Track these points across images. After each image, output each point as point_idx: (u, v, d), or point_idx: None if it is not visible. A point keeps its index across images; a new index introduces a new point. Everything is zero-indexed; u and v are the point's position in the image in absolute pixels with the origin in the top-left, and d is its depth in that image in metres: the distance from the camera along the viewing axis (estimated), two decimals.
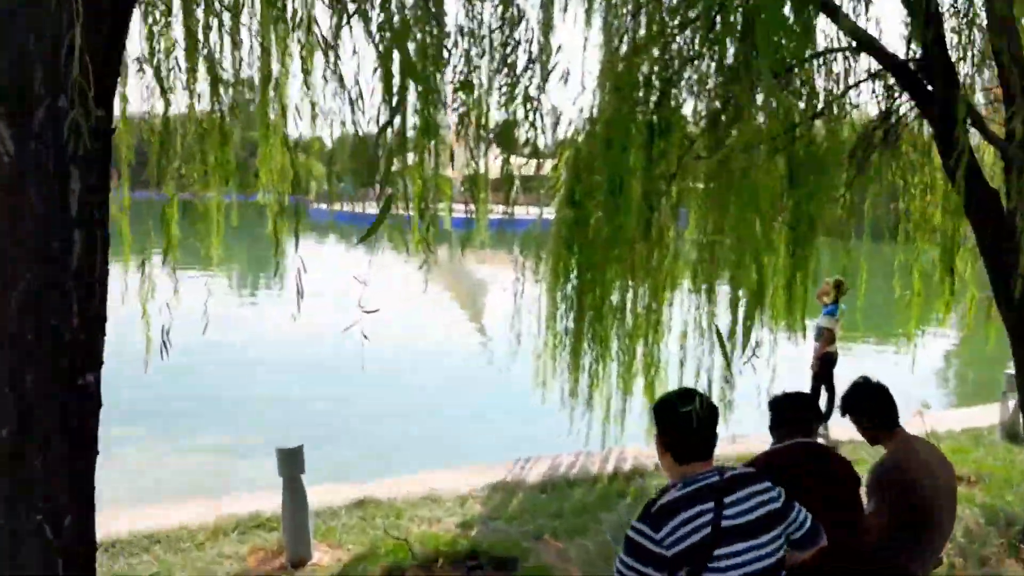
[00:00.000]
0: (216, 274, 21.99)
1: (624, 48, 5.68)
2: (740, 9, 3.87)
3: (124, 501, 6.69)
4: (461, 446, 9.09)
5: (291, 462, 4.90)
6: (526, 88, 4.78)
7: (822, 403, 8.52)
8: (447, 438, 9.40)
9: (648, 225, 5.76)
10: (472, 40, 4.63)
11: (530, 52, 4.80)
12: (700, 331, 6.80)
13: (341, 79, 3.81)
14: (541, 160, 6.22)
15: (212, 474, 8.04)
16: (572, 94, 6.53)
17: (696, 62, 5.35)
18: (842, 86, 6.23)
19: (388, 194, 3.01)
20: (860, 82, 6.29)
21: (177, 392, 10.75)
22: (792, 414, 3.51)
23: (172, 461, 8.21)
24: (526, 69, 4.82)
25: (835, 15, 5.46)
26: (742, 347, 4.26)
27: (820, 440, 4.92)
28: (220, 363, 12.77)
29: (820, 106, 6.13)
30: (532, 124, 4.81)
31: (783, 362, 6.90)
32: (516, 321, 6.40)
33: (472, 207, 6.52)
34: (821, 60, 6.05)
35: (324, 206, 54.77)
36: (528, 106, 4.85)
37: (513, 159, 5.33)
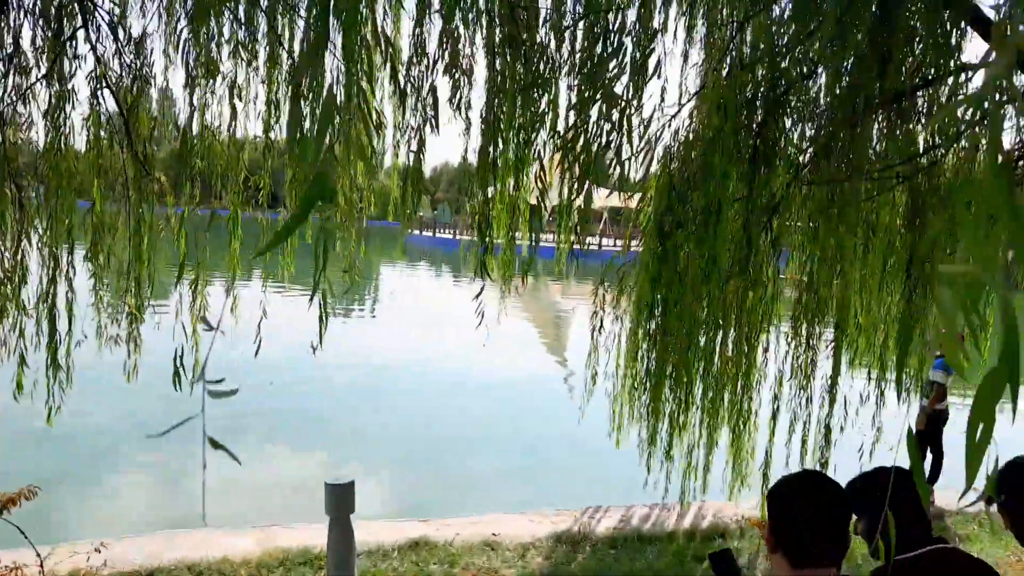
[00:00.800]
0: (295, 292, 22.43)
1: (727, 66, 5.20)
2: (867, 20, 3.37)
3: (178, 524, 6.50)
4: (528, 487, 8.59)
5: (340, 500, 4.53)
6: (621, 112, 4.36)
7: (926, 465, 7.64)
8: (513, 477, 8.90)
9: (746, 260, 5.22)
10: (561, 65, 4.26)
11: (623, 71, 4.39)
12: (797, 379, 6.22)
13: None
14: (629, 192, 5.81)
15: (271, 499, 7.78)
16: (666, 115, 6.07)
17: (808, 81, 4.83)
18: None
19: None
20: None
21: (240, 411, 10.63)
22: (896, 492, 2.79)
23: (229, 485, 7.99)
24: (612, 91, 4.40)
25: (986, 30, 4.84)
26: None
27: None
28: (296, 383, 12.69)
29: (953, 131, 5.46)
30: (619, 155, 4.39)
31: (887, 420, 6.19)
32: (593, 358, 5.92)
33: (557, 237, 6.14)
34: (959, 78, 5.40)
35: (419, 232, 55.69)
36: (620, 132, 4.44)
37: (603, 190, 4.94)
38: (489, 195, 5.55)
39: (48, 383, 3.92)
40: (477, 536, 6.13)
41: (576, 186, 5.43)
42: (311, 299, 1.88)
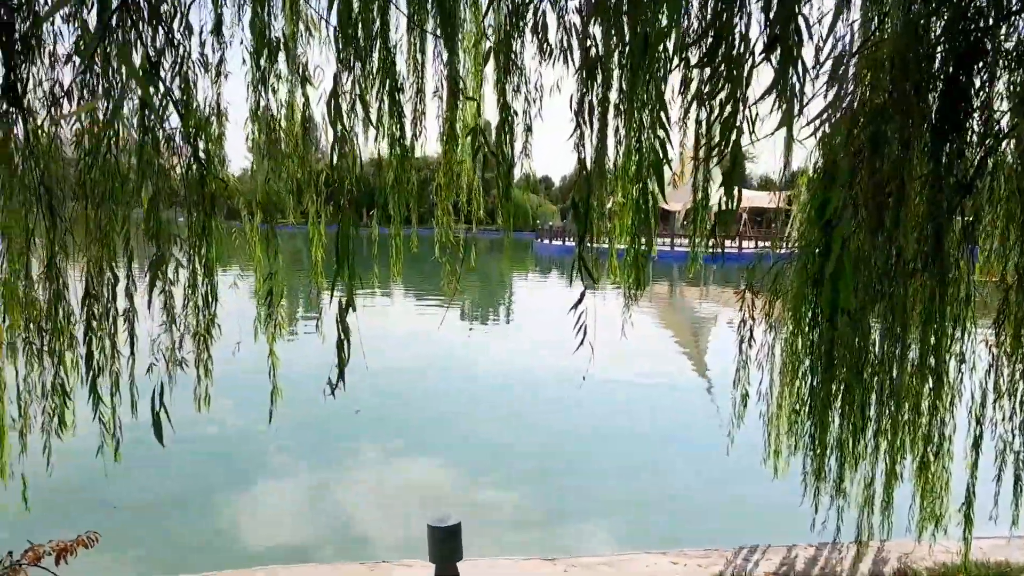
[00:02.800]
0: (444, 304, 22.55)
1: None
2: None
3: (281, 550, 6.12)
4: (668, 519, 7.68)
5: (444, 545, 3.90)
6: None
7: None
8: (651, 507, 8.02)
9: (935, 251, 4.23)
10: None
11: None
12: (1001, 398, 5.16)
13: None
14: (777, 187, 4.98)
15: (375, 526, 7.32)
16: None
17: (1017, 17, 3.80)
18: None
19: None
20: None
21: (353, 429, 10.37)
22: None
23: (334, 508, 7.63)
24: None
25: None
26: None
27: None
28: (424, 396, 12.38)
29: None
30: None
31: None
32: (742, 375, 5.03)
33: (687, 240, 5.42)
34: None
35: (547, 241, 55.81)
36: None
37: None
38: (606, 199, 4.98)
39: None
40: None
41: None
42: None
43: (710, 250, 5.36)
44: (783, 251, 5.17)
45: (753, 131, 2.57)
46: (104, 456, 3.58)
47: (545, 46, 3.50)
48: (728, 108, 2.15)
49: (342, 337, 2.05)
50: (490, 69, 4.96)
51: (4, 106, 2.92)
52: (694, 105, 4.64)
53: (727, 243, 4.47)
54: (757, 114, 2.50)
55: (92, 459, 3.77)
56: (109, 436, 3.56)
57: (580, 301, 2.35)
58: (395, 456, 9.41)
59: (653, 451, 9.89)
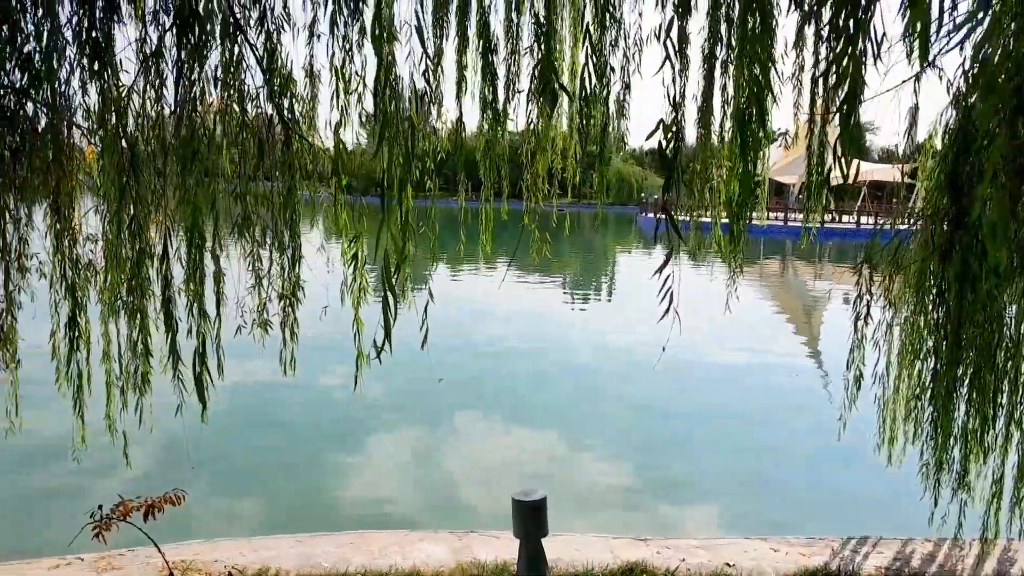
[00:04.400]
0: (550, 280, 22.44)
1: None
2: None
3: (374, 521, 6.16)
4: (770, 504, 7.31)
5: (530, 520, 3.78)
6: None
7: None
8: (753, 490, 7.65)
9: None
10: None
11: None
12: None
13: None
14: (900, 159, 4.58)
15: (465, 496, 7.28)
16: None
17: None
18: None
19: None
20: None
21: (459, 398, 10.38)
22: None
23: (425, 476, 7.65)
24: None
25: None
26: None
27: None
28: (520, 369, 12.31)
29: None
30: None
31: None
32: (857, 355, 4.64)
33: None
34: None
35: (652, 215, 54.85)
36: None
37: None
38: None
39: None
40: (707, 566, 5.08)
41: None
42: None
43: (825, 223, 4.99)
44: (904, 225, 4.74)
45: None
46: (183, 416, 3.63)
47: None
48: (847, 61, 1.86)
49: (388, 298, 1.92)
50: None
51: (95, 66, 2.93)
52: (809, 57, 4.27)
53: (844, 218, 4.11)
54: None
55: (191, 419, 3.85)
56: (195, 397, 3.60)
57: (666, 264, 2.13)
58: (488, 427, 9.39)
59: (757, 432, 9.46)
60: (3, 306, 3.86)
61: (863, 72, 1.59)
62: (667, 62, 2.17)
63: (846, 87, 1.62)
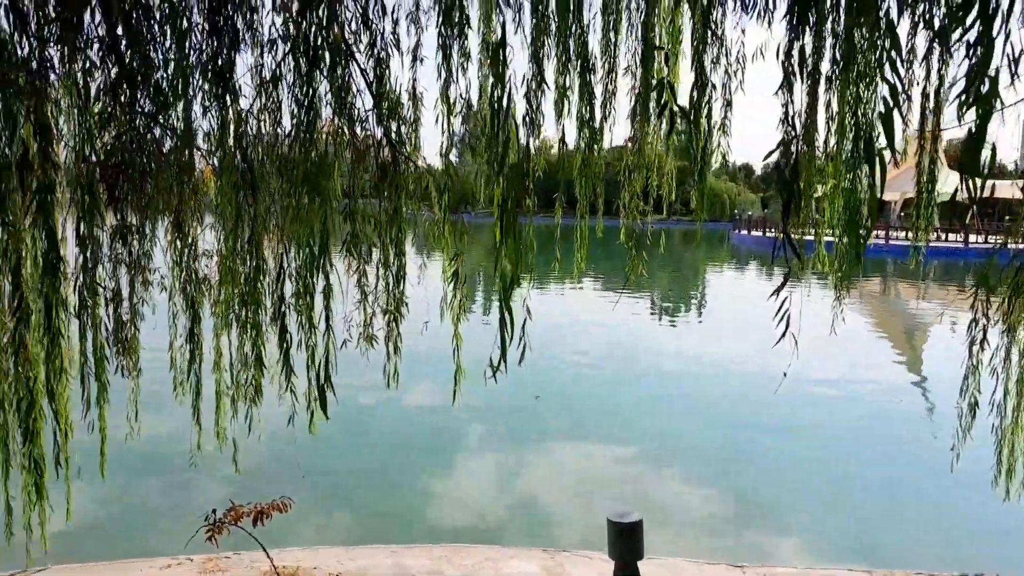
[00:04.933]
0: (638, 295, 22.26)
1: None
2: None
3: (464, 531, 6.21)
4: (877, 537, 6.99)
5: (625, 542, 3.74)
6: None
7: None
8: (857, 523, 7.33)
9: None
10: None
11: None
12: None
13: None
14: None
15: (556, 514, 7.25)
16: None
17: None
18: None
19: None
20: None
21: (549, 414, 10.38)
22: None
23: (516, 491, 7.65)
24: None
25: None
26: None
27: None
28: (609, 386, 12.22)
29: None
30: None
31: None
32: (972, 381, 4.42)
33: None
34: None
35: (745, 232, 53.45)
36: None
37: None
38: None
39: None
40: None
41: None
42: None
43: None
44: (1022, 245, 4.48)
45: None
46: (295, 426, 3.77)
47: None
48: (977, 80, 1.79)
49: (505, 316, 1.95)
50: (686, 43, 4.71)
51: (217, 90, 3.11)
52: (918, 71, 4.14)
53: (950, 236, 3.94)
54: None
55: (295, 428, 4.00)
56: (305, 408, 3.75)
57: (783, 285, 2.09)
58: (578, 444, 9.35)
59: (857, 459, 9.09)
60: (128, 317, 4.10)
61: (997, 91, 1.53)
62: (785, 80, 2.14)
63: (976, 107, 1.57)
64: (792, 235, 4.78)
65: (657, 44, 4.38)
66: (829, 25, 4.11)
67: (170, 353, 4.38)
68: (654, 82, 4.27)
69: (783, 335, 2.25)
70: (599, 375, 12.89)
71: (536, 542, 5.86)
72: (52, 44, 2.95)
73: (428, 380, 9.66)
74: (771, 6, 3.47)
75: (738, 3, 3.81)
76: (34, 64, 3.13)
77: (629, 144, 4.40)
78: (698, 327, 19.68)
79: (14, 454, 4.31)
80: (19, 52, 3.27)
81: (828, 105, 4.57)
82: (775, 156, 2.08)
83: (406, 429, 9.43)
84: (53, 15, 2.96)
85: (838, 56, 4.17)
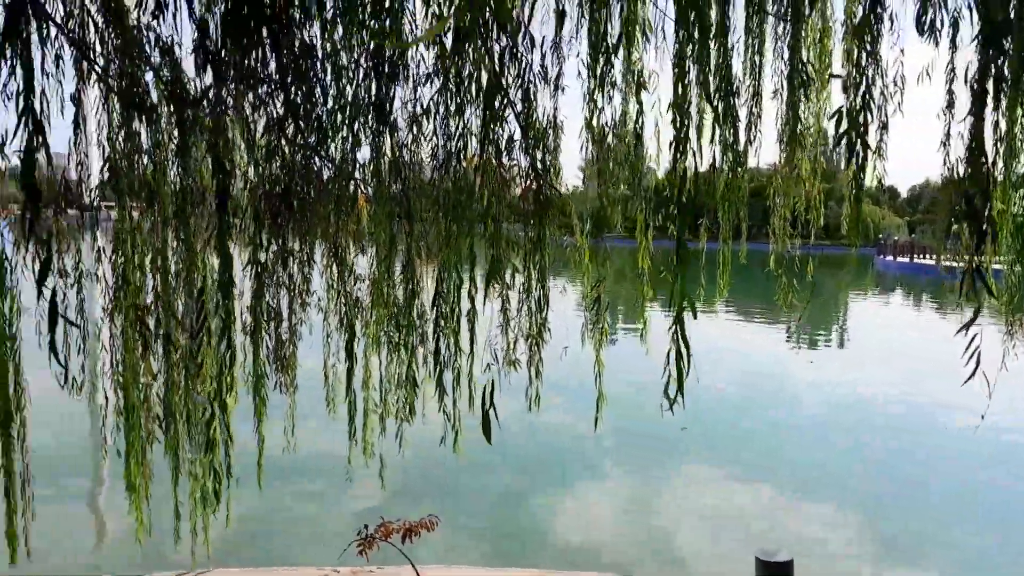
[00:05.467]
0: (774, 323, 21.50)
1: None
2: None
3: (591, 558, 6.14)
4: None
5: None
6: None
7: None
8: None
9: None
10: None
11: None
12: None
13: None
14: None
15: (696, 549, 7.04)
16: None
17: None
18: None
19: None
20: None
21: (683, 444, 10.12)
22: None
23: (654, 523, 7.49)
24: None
25: None
26: None
27: None
28: (748, 417, 11.82)
29: None
30: None
31: None
32: None
33: None
34: None
35: (890, 257, 50.45)
36: None
37: None
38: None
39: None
40: None
41: None
42: None
43: None
44: None
45: None
46: (446, 445, 3.88)
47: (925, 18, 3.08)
48: None
49: (680, 348, 1.94)
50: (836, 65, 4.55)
51: (374, 124, 3.29)
52: None
53: None
54: None
55: (436, 447, 4.13)
56: (451, 428, 3.86)
57: (973, 321, 1.97)
58: (718, 477, 9.09)
59: (1015, 499, 8.35)
60: (287, 336, 4.37)
61: None
62: (975, 105, 2.04)
63: None
64: (949, 262, 4.50)
65: (832, 72, 4.26)
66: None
67: (324, 371, 4.63)
68: (806, 108, 4.16)
69: (972, 374, 2.12)
70: (737, 404, 12.49)
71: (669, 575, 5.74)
72: (229, 83, 3.21)
73: (566, 404, 9.72)
74: (938, 24, 3.30)
75: (894, 22, 3.65)
76: (210, 98, 3.42)
77: (778, 168, 4.29)
78: (840, 355, 18.72)
79: (183, 461, 4.67)
80: (196, 90, 3.60)
81: (996, 125, 4.31)
82: (954, 179, 1.97)
83: (542, 452, 9.48)
84: (228, 57, 3.23)
85: (1006, 73, 3.92)
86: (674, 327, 1.90)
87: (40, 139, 2.05)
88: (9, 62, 2.17)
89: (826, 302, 31.39)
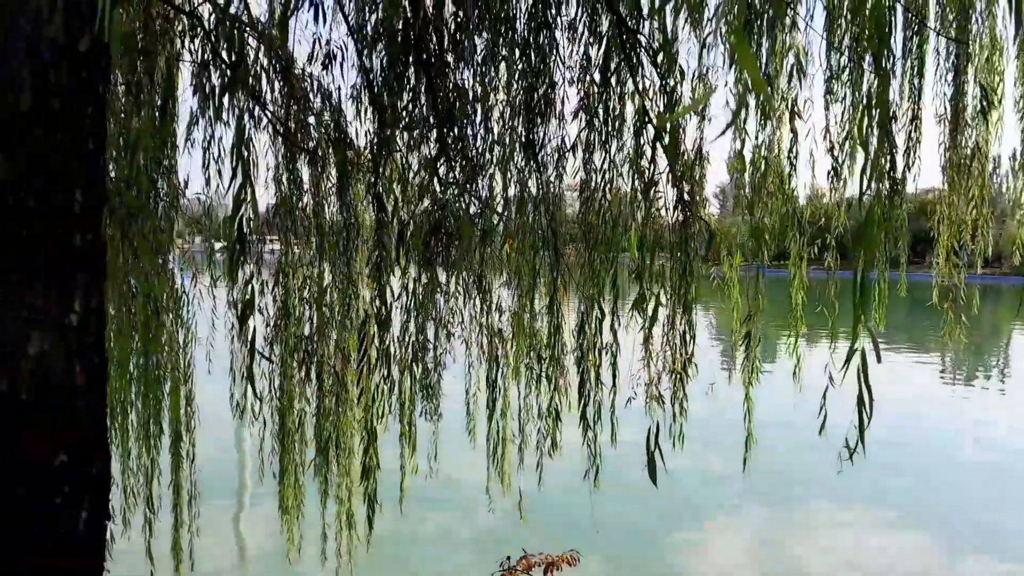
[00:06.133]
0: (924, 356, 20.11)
1: None
2: None
3: None
4: None
5: None
6: None
7: None
8: None
9: None
10: None
11: None
12: None
13: None
14: None
15: None
16: None
17: None
18: None
19: None
20: None
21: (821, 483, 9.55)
22: None
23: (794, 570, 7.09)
24: None
25: None
26: None
27: None
28: (898, 459, 11.05)
29: None
30: None
31: None
32: None
33: None
34: None
35: None
36: None
37: None
38: None
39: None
40: None
41: None
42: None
43: None
44: None
45: None
46: (588, 480, 3.85)
47: None
48: None
49: (863, 393, 1.84)
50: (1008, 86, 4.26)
51: (524, 161, 3.35)
52: None
53: None
54: None
55: (571, 482, 4.10)
56: (591, 463, 3.83)
57: None
58: (861, 521, 8.54)
59: None
60: (432, 365, 4.49)
61: None
62: None
63: None
64: None
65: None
66: None
67: (465, 400, 4.71)
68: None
69: None
70: (878, 444, 11.70)
71: None
72: (389, 127, 3.37)
73: (709, 442, 9.47)
74: None
75: None
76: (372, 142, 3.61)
77: (941, 196, 4.04)
78: (997, 397, 17.24)
79: (331, 485, 4.87)
80: (356, 134, 3.81)
81: None
82: None
83: (679, 490, 9.20)
84: (388, 104, 3.39)
85: None
86: (857, 370, 1.80)
87: (249, 191, 2.22)
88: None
89: (984, 336, 29.05)
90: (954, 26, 3.86)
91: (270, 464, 4.61)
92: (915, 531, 8.26)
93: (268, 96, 3.74)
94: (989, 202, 5.25)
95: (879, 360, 1.82)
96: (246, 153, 2.26)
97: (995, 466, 10.84)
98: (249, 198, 2.18)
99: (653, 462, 2.09)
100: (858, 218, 4.76)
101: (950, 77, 4.29)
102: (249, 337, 2.53)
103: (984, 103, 4.03)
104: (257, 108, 3.82)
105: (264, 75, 3.70)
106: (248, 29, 3.62)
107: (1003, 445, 11.94)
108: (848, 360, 1.82)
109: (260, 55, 3.66)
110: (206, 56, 3.35)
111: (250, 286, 2.35)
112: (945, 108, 4.29)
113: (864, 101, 4.29)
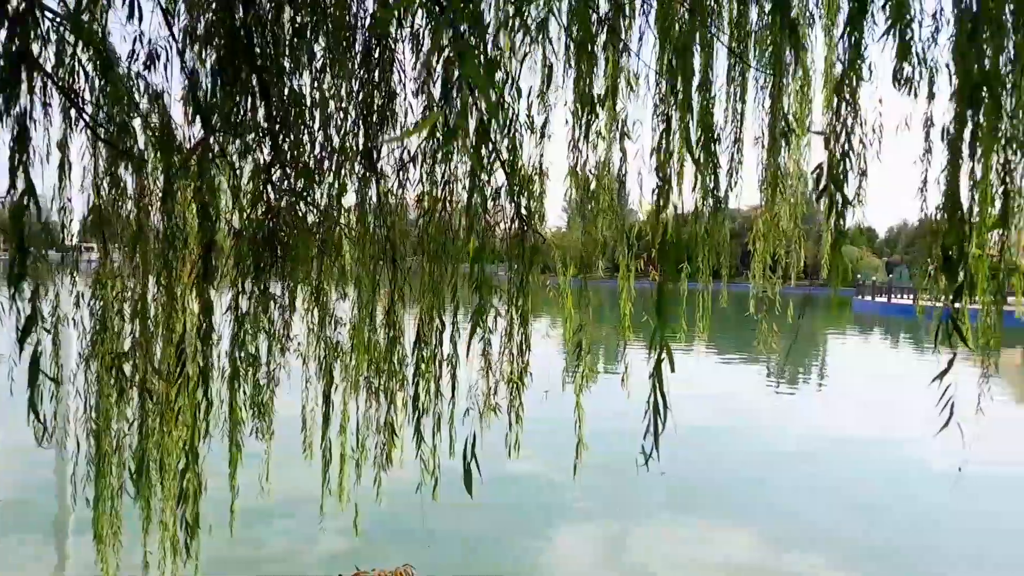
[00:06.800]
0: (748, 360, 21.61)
1: None
2: None
3: None
4: None
5: None
6: None
7: None
8: None
9: None
10: None
11: None
12: None
13: None
14: None
15: None
16: None
17: None
18: None
19: None
20: None
21: (656, 488, 10.06)
22: None
23: (633, 571, 7.39)
24: None
25: None
26: None
27: None
28: (725, 459, 11.78)
29: None
30: None
31: None
32: None
33: None
34: None
35: (868, 298, 51.10)
36: None
37: None
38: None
39: None
40: None
41: None
42: None
43: None
44: None
45: None
46: (422, 493, 3.82)
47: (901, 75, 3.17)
48: None
49: (658, 401, 1.92)
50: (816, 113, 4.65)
51: (363, 171, 3.29)
52: None
53: None
54: None
55: (413, 494, 4.06)
56: (428, 474, 3.80)
57: (947, 370, 1.99)
58: (695, 522, 9.01)
59: (1010, 550, 8.36)
60: (264, 381, 4.31)
61: None
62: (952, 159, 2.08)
63: None
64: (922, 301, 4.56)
65: (813, 129, 4.35)
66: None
67: (301, 416, 4.56)
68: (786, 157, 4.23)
69: (946, 424, 2.13)
70: (707, 445, 12.42)
71: None
72: (218, 132, 3.21)
73: (542, 448, 9.63)
74: (917, 76, 3.40)
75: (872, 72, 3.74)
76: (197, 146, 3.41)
77: (759, 213, 4.35)
78: (817, 397, 18.81)
79: (155, 511, 4.55)
80: (184, 138, 3.60)
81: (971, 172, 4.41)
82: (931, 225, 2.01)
83: (511, 498, 9.30)
84: (218, 105, 3.23)
85: (982, 121, 4.03)
86: (652, 380, 1.89)
87: (31, 199, 2.02)
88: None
89: (803, 342, 31.58)
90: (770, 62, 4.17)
91: (83, 490, 4.26)
92: (736, 525, 8.79)
93: (87, 96, 3.47)
94: (804, 219, 5.70)
95: (672, 370, 1.92)
96: (26, 157, 2.06)
97: (815, 457, 11.78)
98: (32, 208, 1.99)
99: (469, 472, 2.09)
100: (684, 233, 5.04)
101: (767, 105, 4.62)
102: (33, 355, 2.31)
103: (792, 129, 4.38)
104: (72, 107, 3.54)
105: (83, 72, 3.43)
106: (60, 19, 3.34)
107: (820, 443, 12.99)
108: (657, 368, 1.90)
109: (77, 50, 3.39)
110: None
111: (34, 300, 2.13)
112: (764, 132, 4.63)
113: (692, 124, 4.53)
